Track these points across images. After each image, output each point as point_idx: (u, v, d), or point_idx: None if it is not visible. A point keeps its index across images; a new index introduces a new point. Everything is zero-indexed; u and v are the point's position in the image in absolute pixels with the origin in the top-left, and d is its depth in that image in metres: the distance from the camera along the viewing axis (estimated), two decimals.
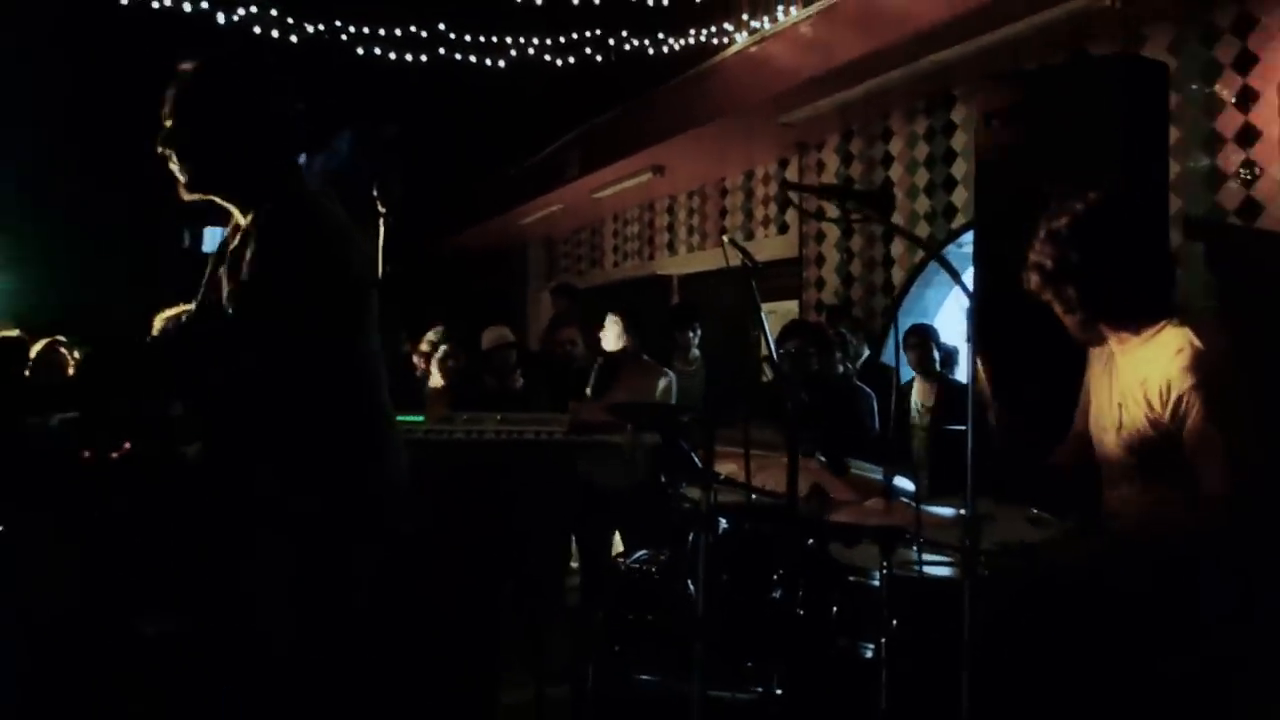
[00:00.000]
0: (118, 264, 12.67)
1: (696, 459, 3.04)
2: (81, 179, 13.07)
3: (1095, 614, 2.35)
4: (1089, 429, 2.70)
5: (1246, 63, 5.47)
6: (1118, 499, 2.57)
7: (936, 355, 6.27)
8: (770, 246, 9.21)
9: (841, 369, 6.47)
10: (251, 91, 2.47)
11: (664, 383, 5.75)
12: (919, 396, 6.32)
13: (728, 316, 8.68)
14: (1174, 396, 2.39)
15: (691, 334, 6.77)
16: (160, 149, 2.49)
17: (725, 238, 3.41)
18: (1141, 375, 2.49)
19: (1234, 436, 2.34)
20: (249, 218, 2.50)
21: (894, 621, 2.50)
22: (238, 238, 2.53)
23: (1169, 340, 2.46)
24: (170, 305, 3.45)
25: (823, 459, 2.99)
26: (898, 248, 8.00)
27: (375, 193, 3.13)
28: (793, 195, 2.89)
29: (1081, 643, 2.34)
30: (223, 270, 2.55)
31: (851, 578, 2.77)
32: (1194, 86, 5.69)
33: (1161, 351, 2.46)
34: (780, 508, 2.68)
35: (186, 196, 2.52)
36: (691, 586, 2.79)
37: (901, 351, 6.31)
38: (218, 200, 2.55)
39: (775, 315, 9.48)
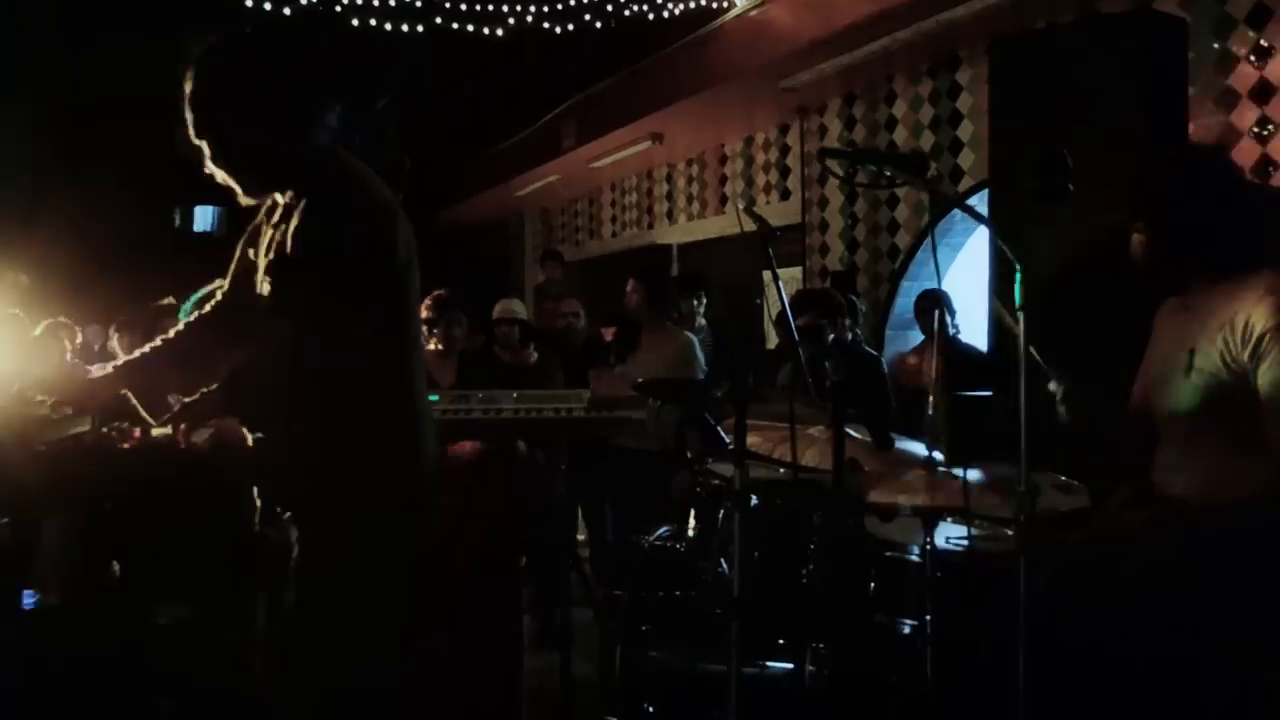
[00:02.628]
0: (109, 243, 12.54)
1: (723, 433, 2.97)
2: (72, 158, 12.94)
3: (1150, 585, 2.28)
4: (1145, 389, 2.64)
5: (1261, 17, 5.37)
6: (1175, 456, 2.50)
7: (950, 320, 6.19)
8: (773, 213, 9.10)
9: (850, 335, 6.42)
10: (274, 69, 2.41)
11: (684, 343, 5.67)
12: (931, 362, 6.24)
13: (729, 284, 8.62)
14: (1255, 335, 2.35)
15: (697, 302, 6.70)
16: (193, 139, 2.42)
17: (740, 205, 3.32)
18: (1222, 317, 2.46)
19: None
20: (286, 197, 2.43)
21: (936, 598, 2.44)
22: (272, 218, 2.47)
23: (1257, 282, 2.43)
24: (162, 285, 3.36)
25: (865, 434, 2.92)
26: (903, 212, 7.91)
27: (384, 167, 3.04)
28: (831, 163, 2.81)
29: (1135, 617, 2.28)
30: (254, 253, 2.49)
31: (889, 553, 2.72)
32: (1215, 45, 5.58)
33: (1249, 293, 2.42)
34: (815, 483, 2.61)
35: (209, 170, 2.45)
36: (725, 565, 2.72)
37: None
38: (238, 186, 2.47)
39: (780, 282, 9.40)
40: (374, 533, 2.37)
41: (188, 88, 2.40)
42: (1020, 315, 2.09)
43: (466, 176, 13.56)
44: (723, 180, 10.23)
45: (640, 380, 3.23)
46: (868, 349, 6.05)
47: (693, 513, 3.58)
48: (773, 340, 8.32)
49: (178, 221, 16.46)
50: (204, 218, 16.77)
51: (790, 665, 2.85)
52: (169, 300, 6.10)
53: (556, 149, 10.95)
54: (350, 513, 2.35)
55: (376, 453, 2.38)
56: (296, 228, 2.29)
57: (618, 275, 6.44)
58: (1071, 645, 2.27)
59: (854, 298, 7.10)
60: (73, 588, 3.38)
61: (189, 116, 2.41)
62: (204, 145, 2.42)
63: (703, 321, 6.71)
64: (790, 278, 8.59)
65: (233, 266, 2.64)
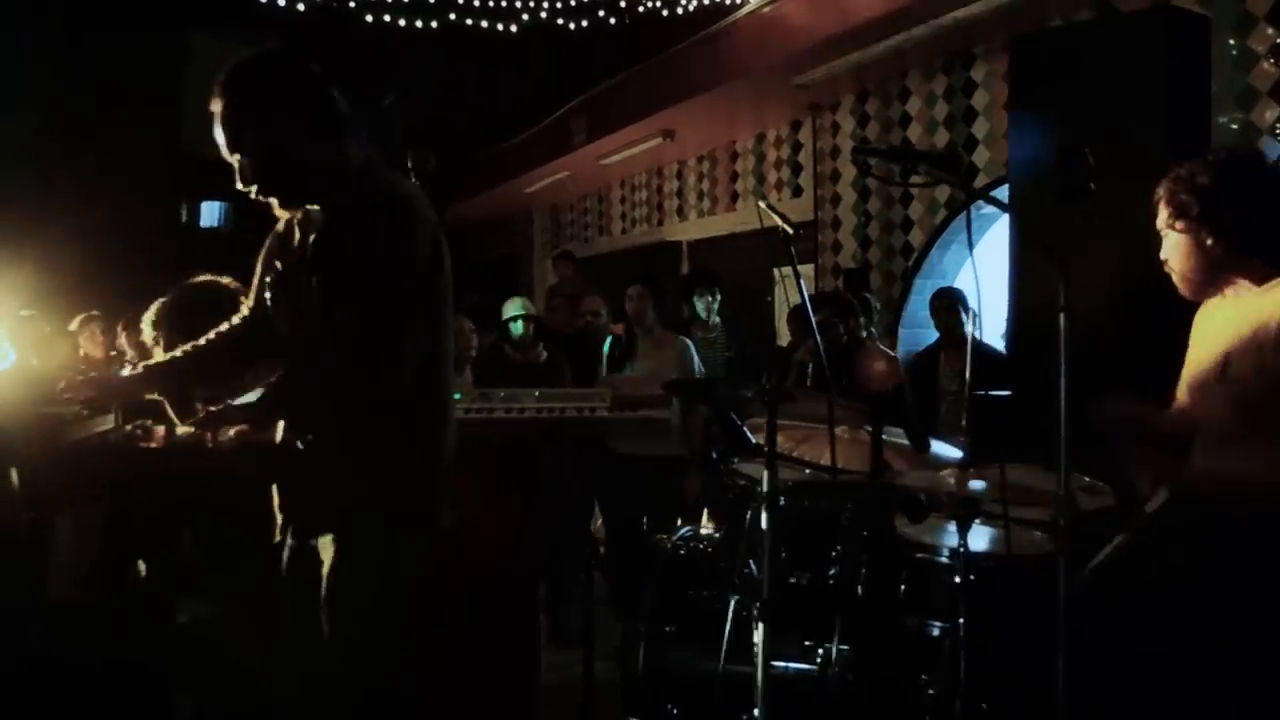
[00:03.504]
0: (116, 239, 12.53)
1: (749, 433, 2.95)
2: (79, 153, 12.92)
3: (1190, 585, 2.26)
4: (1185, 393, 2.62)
5: None
6: (1212, 461, 2.48)
7: (965, 318, 6.17)
8: (784, 210, 9.04)
9: (864, 333, 6.40)
10: (304, 83, 2.40)
11: (680, 347, 5.67)
12: (945, 361, 6.23)
13: (739, 281, 8.59)
14: None
15: (711, 299, 6.68)
16: (233, 157, 2.40)
17: (760, 202, 3.32)
18: (1256, 322, 2.42)
19: None
20: (315, 210, 2.44)
21: (968, 599, 2.42)
22: (299, 229, 2.47)
23: None
24: (169, 281, 3.33)
25: (900, 436, 2.89)
26: (917, 210, 7.87)
27: (409, 164, 3.03)
28: (867, 160, 2.80)
29: (1177, 616, 2.26)
30: (280, 264, 2.48)
31: (919, 555, 2.69)
32: (1231, 41, 5.55)
33: None
34: (849, 484, 2.59)
35: (244, 188, 2.42)
36: (754, 566, 2.70)
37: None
38: (278, 200, 2.46)
39: (789, 279, 9.36)
40: (398, 531, 2.40)
41: (218, 106, 2.38)
42: (1061, 317, 2.06)
43: (474, 173, 13.53)
44: (734, 177, 10.19)
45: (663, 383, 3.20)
46: (883, 348, 6.02)
47: (705, 513, 3.57)
48: (783, 337, 8.30)
49: (184, 217, 16.41)
50: (211, 213, 16.73)
51: (814, 666, 2.83)
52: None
53: (567, 145, 10.90)
54: (377, 513, 2.38)
55: (407, 457, 2.42)
56: (343, 246, 2.30)
57: (627, 272, 6.42)
58: (1110, 648, 2.25)
59: (868, 296, 7.08)
60: (92, 585, 3.37)
61: (221, 134, 2.39)
62: (237, 161, 2.40)
63: (716, 319, 6.69)
64: (802, 276, 8.54)
65: (255, 281, 2.62)
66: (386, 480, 2.38)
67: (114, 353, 6.64)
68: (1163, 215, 2.55)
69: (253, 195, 2.42)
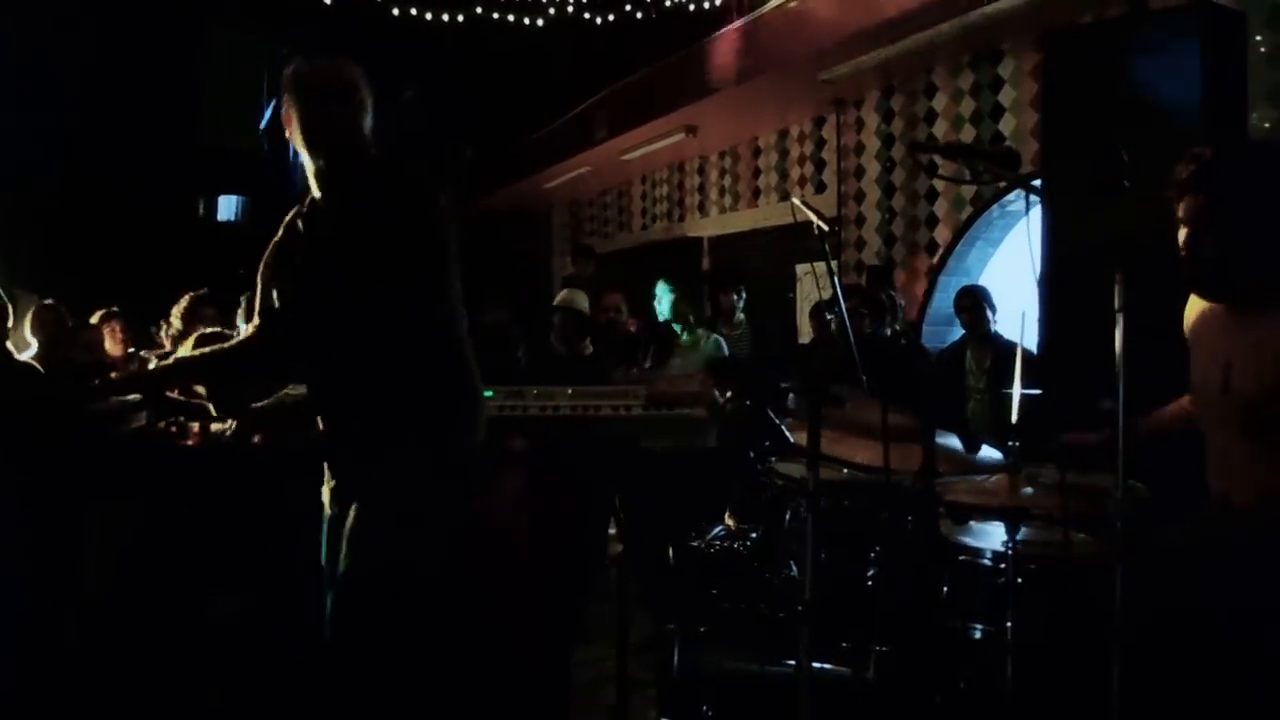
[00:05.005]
0: (133, 232, 12.55)
1: (787, 432, 2.93)
2: (96, 147, 12.95)
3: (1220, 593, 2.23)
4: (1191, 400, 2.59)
5: None
6: (1224, 464, 2.45)
7: (990, 316, 6.13)
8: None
9: (889, 331, 6.37)
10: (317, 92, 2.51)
11: (711, 346, 5.66)
12: (972, 359, 6.19)
13: (760, 278, 8.55)
14: None
15: (736, 297, 6.66)
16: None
17: (795, 199, 3.30)
18: (1255, 338, 2.39)
19: None
20: (325, 195, 2.53)
21: (1015, 602, 2.39)
22: (306, 217, 2.57)
23: None
24: (186, 274, 3.38)
25: (956, 438, 2.86)
26: (941, 207, 7.83)
27: (447, 157, 3.03)
28: (920, 156, 2.78)
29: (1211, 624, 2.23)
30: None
31: (962, 557, 2.66)
32: (1259, 36, 5.49)
33: None
34: (891, 485, 2.56)
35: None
36: (795, 567, 2.68)
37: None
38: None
39: (810, 275, 9.34)
40: (427, 505, 2.49)
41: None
42: (1120, 317, 2.03)
43: (495, 167, 13.51)
44: (756, 173, 10.15)
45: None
46: (905, 344, 6.00)
47: (727, 513, 3.55)
48: (805, 334, 8.27)
49: (201, 210, 16.44)
50: (228, 207, 16.76)
51: (853, 669, 2.81)
52: (205, 291, 6.12)
53: (589, 140, 10.87)
54: (408, 486, 2.47)
55: (434, 434, 2.51)
56: (368, 236, 2.40)
57: (647, 268, 6.39)
58: (1154, 654, 2.22)
59: (892, 293, 7.04)
60: (125, 581, 3.38)
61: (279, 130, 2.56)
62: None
63: (741, 316, 6.67)
64: (824, 272, 8.50)
65: (260, 285, 2.64)
66: (421, 419, 2.49)
67: (132, 349, 6.66)
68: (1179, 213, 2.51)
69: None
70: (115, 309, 6.81)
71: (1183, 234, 2.47)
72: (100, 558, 3.47)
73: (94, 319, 6.46)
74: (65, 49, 12.80)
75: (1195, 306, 2.67)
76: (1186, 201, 2.43)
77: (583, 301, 5.89)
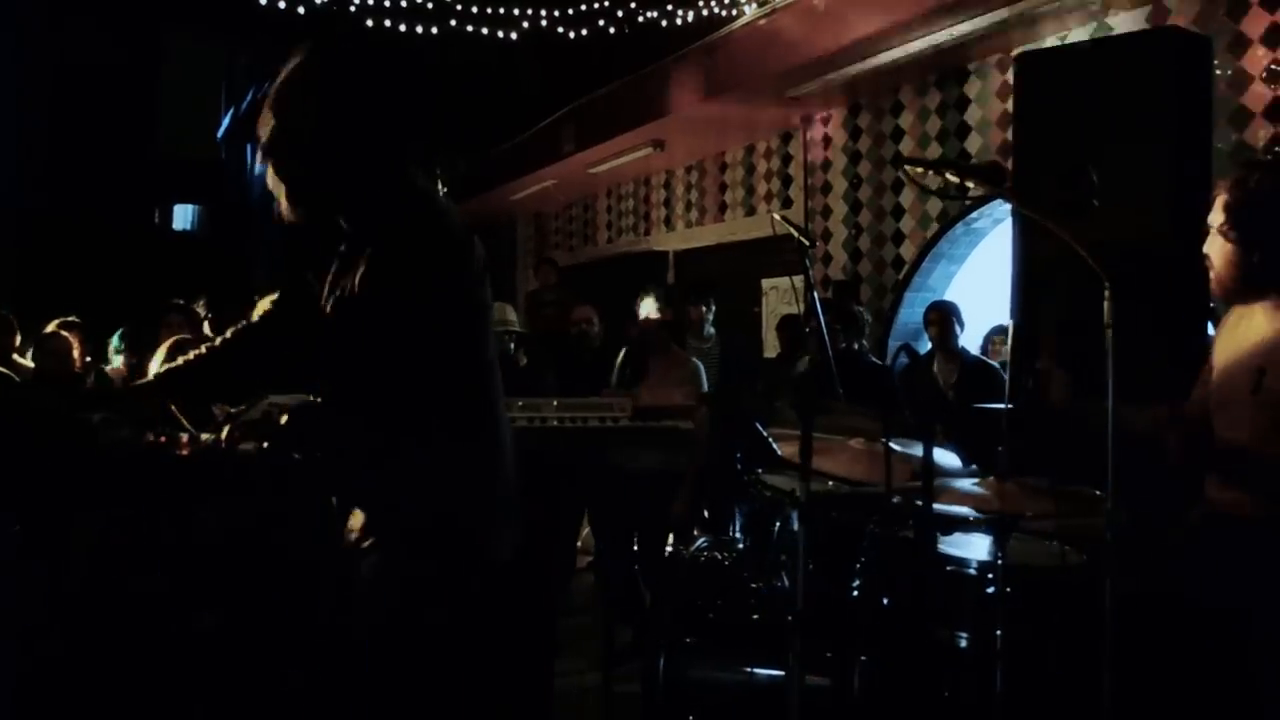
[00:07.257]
0: (88, 242, 12.41)
1: (775, 445, 2.96)
2: (50, 156, 12.82)
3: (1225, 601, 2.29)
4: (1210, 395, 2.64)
5: (1275, 37, 5.42)
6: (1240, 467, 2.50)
7: (958, 332, 6.23)
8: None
9: (857, 345, 6.43)
10: (366, 85, 2.26)
11: (693, 368, 5.66)
12: (940, 374, 6.27)
13: (727, 293, 8.61)
14: None
15: (705, 310, 6.68)
16: (266, 156, 2.26)
17: (775, 214, 3.35)
18: None
19: None
20: (361, 234, 2.33)
21: (1000, 613, 2.44)
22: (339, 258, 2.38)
23: None
24: (142, 284, 3.32)
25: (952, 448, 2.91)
26: (908, 223, 7.93)
27: (442, 170, 3.03)
28: (907, 170, 2.81)
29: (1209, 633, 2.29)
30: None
31: (948, 567, 2.71)
32: (1217, 61, 5.62)
33: None
34: (878, 497, 2.61)
35: (289, 216, 2.30)
36: (786, 578, 2.71)
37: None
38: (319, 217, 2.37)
39: (777, 290, 9.42)
40: (455, 552, 2.35)
41: (264, 131, 2.25)
42: (1109, 333, 2.08)
43: (461, 179, 13.48)
44: (723, 188, 10.22)
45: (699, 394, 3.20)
46: (873, 359, 6.06)
47: (695, 530, 3.57)
48: (771, 348, 8.33)
49: (157, 219, 16.28)
50: (184, 216, 16.62)
51: (837, 679, 2.84)
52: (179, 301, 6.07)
53: (556, 153, 10.91)
54: (436, 535, 2.32)
55: (461, 476, 2.32)
56: (399, 272, 2.20)
57: (611, 281, 6.38)
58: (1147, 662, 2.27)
59: (859, 308, 7.12)
60: (108, 593, 3.34)
61: (271, 158, 2.26)
62: (286, 183, 2.28)
63: (711, 330, 6.70)
64: (793, 288, 8.57)
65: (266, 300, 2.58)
66: (438, 504, 2.30)
67: (89, 359, 6.57)
68: (1219, 217, 2.58)
69: (287, 212, 2.33)
70: (74, 319, 6.69)
71: (1227, 248, 2.55)
72: (88, 568, 3.44)
73: (49, 328, 6.32)
74: (22, 59, 12.67)
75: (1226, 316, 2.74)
76: (1238, 216, 2.50)
77: (510, 314, 5.96)
